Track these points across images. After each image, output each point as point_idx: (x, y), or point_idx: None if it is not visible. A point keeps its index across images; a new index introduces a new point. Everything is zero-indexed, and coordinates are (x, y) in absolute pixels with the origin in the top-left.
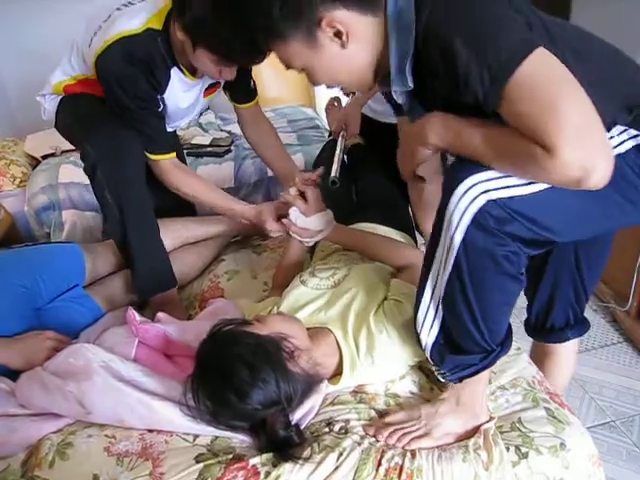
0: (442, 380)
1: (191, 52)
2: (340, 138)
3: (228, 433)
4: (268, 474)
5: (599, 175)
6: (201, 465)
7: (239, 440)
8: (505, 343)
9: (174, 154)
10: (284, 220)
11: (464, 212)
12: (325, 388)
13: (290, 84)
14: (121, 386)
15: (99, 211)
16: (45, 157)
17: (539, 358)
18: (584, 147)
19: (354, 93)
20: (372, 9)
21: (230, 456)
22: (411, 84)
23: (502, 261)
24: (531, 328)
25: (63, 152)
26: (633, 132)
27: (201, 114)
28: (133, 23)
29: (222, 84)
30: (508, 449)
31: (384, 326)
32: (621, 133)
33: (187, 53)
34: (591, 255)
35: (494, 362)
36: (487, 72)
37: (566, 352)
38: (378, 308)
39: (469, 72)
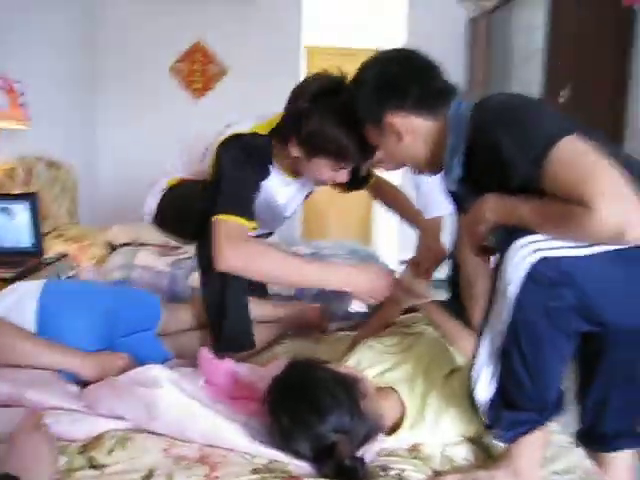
0: (496, 441)
1: (304, 164)
2: None
3: (288, 458)
4: None
5: (636, 230)
6: (258, 476)
7: (296, 466)
8: (558, 404)
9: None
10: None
11: (518, 267)
12: (381, 440)
13: (352, 227)
14: (189, 399)
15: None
16: (123, 245)
17: None
18: (620, 203)
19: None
20: (433, 115)
21: (286, 475)
22: (459, 173)
23: (554, 315)
24: (583, 435)
25: (140, 244)
26: None
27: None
28: (243, 127)
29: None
30: None
31: (458, 392)
32: None
33: (297, 165)
34: None
35: (547, 420)
36: (528, 155)
37: (620, 466)
38: (449, 375)
39: (513, 157)
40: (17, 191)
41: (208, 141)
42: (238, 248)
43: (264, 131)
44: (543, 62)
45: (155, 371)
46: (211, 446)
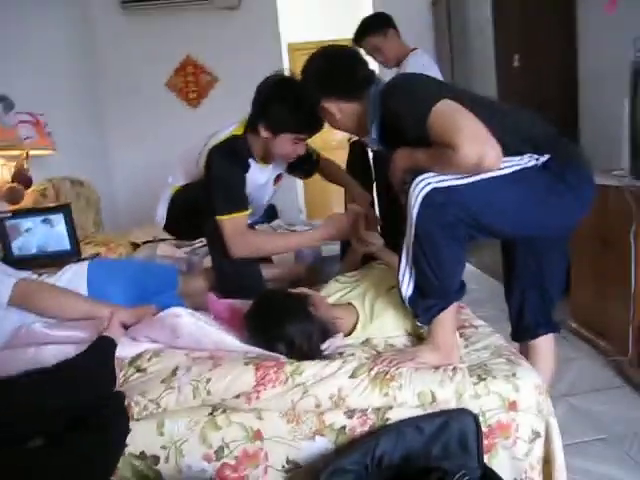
0: (420, 324)
1: (272, 142)
2: None
3: (268, 353)
4: (292, 363)
5: (490, 159)
6: (247, 359)
7: (275, 356)
8: (458, 291)
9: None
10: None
11: (417, 196)
12: (341, 339)
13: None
14: (202, 323)
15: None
16: (145, 243)
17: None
18: (476, 142)
19: None
20: (356, 98)
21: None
22: (376, 136)
23: (446, 227)
24: (514, 333)
25: (160, 240)
26: (535, 156)
27: (270, 219)
28: (223, 134)
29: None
30: (472, 376)
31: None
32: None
33: (267, 147)
34: (548, 265)
35: (450, 303)
36: (416, 115)
37: (543, 349)
38: (389, 290)
39: (407, 118)
40: None
41: (198, 149)
42: (242, 242)
43: (240, 132)
44: (492, 32)
45: (177, 310)
46: (218, 350)
